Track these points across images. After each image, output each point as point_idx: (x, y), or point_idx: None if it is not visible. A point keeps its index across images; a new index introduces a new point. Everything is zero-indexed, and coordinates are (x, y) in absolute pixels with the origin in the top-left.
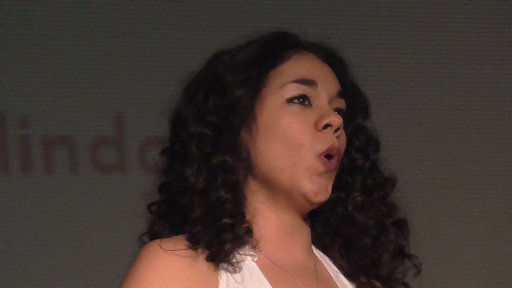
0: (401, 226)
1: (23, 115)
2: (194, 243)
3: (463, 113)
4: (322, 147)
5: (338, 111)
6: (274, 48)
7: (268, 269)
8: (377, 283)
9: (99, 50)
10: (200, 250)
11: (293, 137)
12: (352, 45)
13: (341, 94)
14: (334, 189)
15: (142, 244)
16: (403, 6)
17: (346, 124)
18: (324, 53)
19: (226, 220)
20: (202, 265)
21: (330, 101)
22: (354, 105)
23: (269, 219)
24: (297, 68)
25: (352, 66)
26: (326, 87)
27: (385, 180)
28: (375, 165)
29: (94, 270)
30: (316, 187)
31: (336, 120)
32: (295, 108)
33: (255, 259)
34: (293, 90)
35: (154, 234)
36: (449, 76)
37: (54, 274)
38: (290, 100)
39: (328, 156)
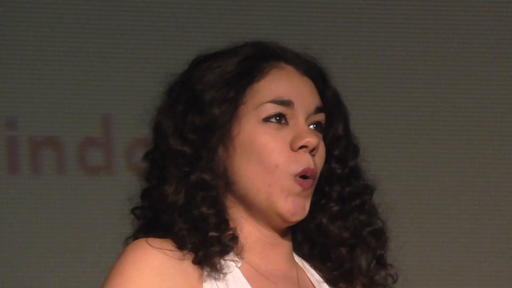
0: (379, 235)
1: (10, 116)
2: (180, 245)
3: (458, 113)
4: (297, 168)
5: (317, 124)
6: (252, 63)
7: (252, 277)
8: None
9: (86, 51)
10: (186, 252)
11: (268, 158)
12: (344, 44)
13: (319, 110)
14: (314, 193)
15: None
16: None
17: (326, 133)
18: (304, 65)
19: (212, 234)
20: (188, 267)
21: (307, 117)
22: (334, 115)
23: (249, 230)
24: (274, 87)
25: (335, 73)
26: (303, 106)
27: (363, 187)
28: (353, 172)
29: (82, 271)
30: (292, 207)
31: (312, 141)
32: (271, 127)
33: (239, 265)
34: (270, 109)
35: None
36: (445, 75)
37: (41, 275)
38: (266, 119)
39: (303, 176)
